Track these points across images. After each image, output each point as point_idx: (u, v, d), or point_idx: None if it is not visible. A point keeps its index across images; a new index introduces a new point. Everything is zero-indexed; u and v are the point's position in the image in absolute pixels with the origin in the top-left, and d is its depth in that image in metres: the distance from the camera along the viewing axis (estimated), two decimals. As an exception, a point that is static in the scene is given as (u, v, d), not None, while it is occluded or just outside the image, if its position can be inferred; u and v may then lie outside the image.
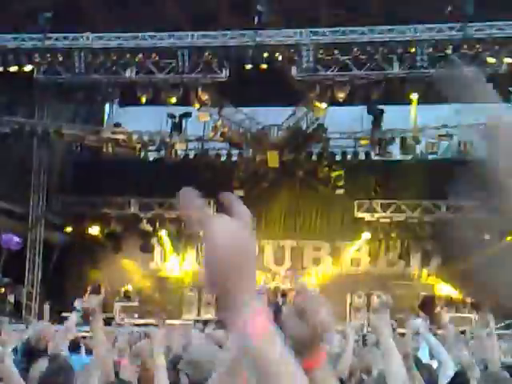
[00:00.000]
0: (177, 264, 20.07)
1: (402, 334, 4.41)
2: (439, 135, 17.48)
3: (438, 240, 18.44)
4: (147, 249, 19.87)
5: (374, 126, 17.50)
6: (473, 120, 16.90)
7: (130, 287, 18.77)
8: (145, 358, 4.33)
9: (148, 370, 4.09)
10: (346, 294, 17.83)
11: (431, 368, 4.38)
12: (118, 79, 15.36)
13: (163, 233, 19.52)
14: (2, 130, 16.53)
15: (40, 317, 16.76)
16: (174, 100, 15.67)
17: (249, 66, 14.86)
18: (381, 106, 17.18)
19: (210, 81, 15.24)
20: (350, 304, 17.72)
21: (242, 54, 14.68)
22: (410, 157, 18.38)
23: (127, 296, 18.48)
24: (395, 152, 18.25)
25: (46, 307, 17.48)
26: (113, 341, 4.99)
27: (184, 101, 16.36)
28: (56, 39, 14.51)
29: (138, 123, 18.92)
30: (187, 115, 18.08)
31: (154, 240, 19.91)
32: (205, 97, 15.75)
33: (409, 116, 17.63)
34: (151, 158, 19.91)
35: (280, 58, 14.88)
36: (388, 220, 18.74)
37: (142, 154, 19.28)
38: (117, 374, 4.12)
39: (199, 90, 15.75)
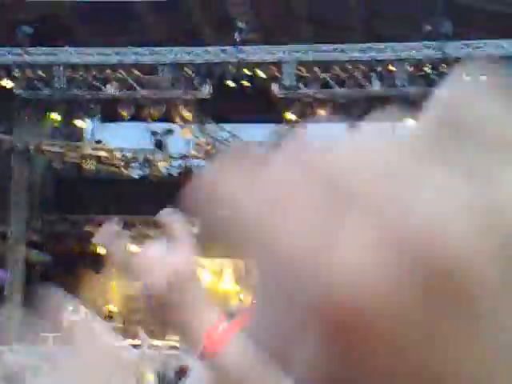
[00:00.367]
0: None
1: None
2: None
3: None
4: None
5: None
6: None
7: (112, 307, 18.60)
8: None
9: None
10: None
11: None
12: (99, 95, 15.35)
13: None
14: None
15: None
16: (156, 116, 15.69)
17: (230, 83, 14.92)
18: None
19: (191, 97, 15.26)
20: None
21: (223, 70, 14.74)
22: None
23: (110, 316, 18.30)
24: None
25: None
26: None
27: (166, 117, 16.37)
28: (36, 54, 14.50)
29: (119, 140, 18.88)
30: (170, 132, 18.07)
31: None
32: (186, 113, 15.76)
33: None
34: (134, 176, 19.85)
35: (261, 74, 14.96)
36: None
37: (125, 171, 19.21)
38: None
39: (181, 106, 15.77)
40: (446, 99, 0.51)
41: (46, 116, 15.79)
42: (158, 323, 0.95)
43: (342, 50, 14.38)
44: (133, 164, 19.10)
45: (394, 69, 14.21)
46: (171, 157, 19.27)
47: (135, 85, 15.21)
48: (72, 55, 14.68)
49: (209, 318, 0.92)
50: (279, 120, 17.68)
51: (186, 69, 15.01)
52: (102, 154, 18.51)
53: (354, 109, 15.09)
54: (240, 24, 14.10)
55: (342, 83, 14.78)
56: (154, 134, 18.18)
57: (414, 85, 14.08)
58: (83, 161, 18.28)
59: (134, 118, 16.22)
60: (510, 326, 0.46)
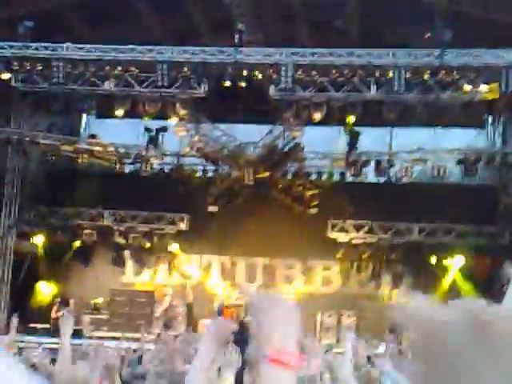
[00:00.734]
0: (148, 278, 19.94)
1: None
2: (413, 159, 17.68)
3: (409, 263, 18.60)
4: (119, 262, 19.72)
5: (350, 147, 17.64)
6: (447, 145, 17.18)
7: (99, 300, 18.59)
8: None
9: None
10: (316, 313, 17.88)
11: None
12: (96, 91, 15.31)
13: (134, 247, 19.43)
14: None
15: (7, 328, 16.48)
16: (151, 114, 15.67)
17: (227, 83, 14.94)
18: (357, 128, 17.34)
19: (188, 96, 15.26)
20: (321, 323, 17.78)
21: (221, 70, 14.76)
22: (383, 179, 18.56)
23: (97, 309, 18.30)
24: (370, 174, 18.41)
25: (15, 320, 17.21)
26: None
27: (161, 115, 16.36)
28: (36, 48, 14.43)
29: (114, 135, 18.85)
30: (164, 129, 18.05)
31: (126, 253, 19.78)
32: (182, 112, 15.76)
33: (384, 139, 17.83)
34: (126, 171, 19.81)
35: (259, 76, 14.98)
36: (360, 241, 18.85)
37: (118, 166, 19.18)
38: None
39: (177, 104, 15.76)
40: None
41: (44, 110, 15.72)
42: None
43: (340, 55, 14.43)
44: (126, 160, 19.08)
45: (391, 74, 14.27)
46: (164, 154, 19.28)
47: (132, 82, 15.18)
48: (71, 51, 14.62)
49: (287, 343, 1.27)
50: (274, 121, 17.76)
51: (183, 68, 15.00)
52: (96, 148, 18.49)
53: (349, 113, 15.20)
54: (240, 26, 14.11)
55: (338, 87, 14.84)
56: (148, 130, 18.17)
57: (411, 91, 14.16)
58: (77, 155, 18.23)
59: (130, 114, 16.20)
60: None
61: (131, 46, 15.01)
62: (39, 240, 19.11)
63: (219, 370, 4.37)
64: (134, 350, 9.31)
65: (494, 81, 14.11)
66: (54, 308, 17.92)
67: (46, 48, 14.53)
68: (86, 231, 19.20)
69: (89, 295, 18.77)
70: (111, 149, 18.57)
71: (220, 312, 14.57)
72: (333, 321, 17.90)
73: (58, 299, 18.27)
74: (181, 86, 15.22)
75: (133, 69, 15.02)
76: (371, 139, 17.89)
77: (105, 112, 17.46)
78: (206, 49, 14.71)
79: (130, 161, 19.07)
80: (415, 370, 0.93)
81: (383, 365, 4.60)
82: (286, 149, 18.50)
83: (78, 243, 19.41)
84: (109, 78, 15.02)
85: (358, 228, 18.72)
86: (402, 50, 14.33)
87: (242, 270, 19.63)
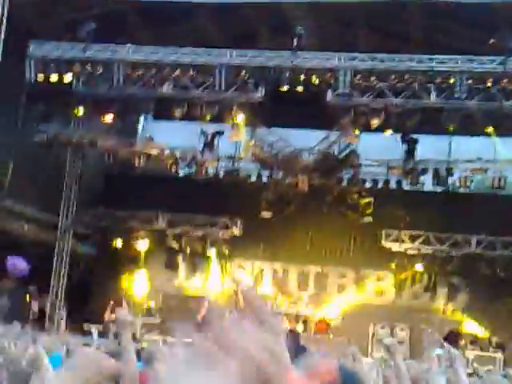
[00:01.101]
0: (201, 283, 19.99)
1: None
2: (473, 169, 17.26)
3: (466, 275, 18.12)
4: (172, 266, 19.84)
5: (407, 155, 17.33)
6: (508, 155, 16.69)
7: (152, 304, 18.70)
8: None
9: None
10: (368, 325, 17.56)
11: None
12: (154, 93, 15.46)
13: (211, 252, 19.47)
14: (37, 139, 16.70)
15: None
16: (208, 117, 15.72)
17: (285, 88, 14.87)
18: (415, 136, 17.03)
19: (244, 100, 15.25)
20: (373, 335, 17.44)
21: (278, 75, 14.70)
22: (441, 189, 18.16)
23: (149, 312, 18.38)
24: (427, 183, 18.04)
25: (62, 313, 17.50)
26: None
27: (218, 118, 16.40)
28: (97, 50, 14.68)
29: (170, 138, 18.98)
30: (220, 133, 18.10)
31: (179, 257, 19.88)
32: (239, 116, 15.77)
33: (443, 147, 17.45)
34: (181, 174, 19.94)
35: (316, 81, 14.86)
36: (415, 251, 18.47)
37: (173, 169, 19.32)
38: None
39: (234, 108, 15.78)
40: None
41: (103, 112, 15.96)
42: None
43: (400, 60, 14.19)
44: (181, 163, 19.20)
45: (452, 81, 13.95)
46: (219, 158, 19.33)
47: (190, 84, 15.27)
48: (131, 53, 14.81)
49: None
50: (331, 127, 17.59)
51: (241, 71, 15.01)
52: (152, 151, 18.66)
53: (408, 120, 14.92)
54: (299, 30, 14.04)
55: (397, 93, 14.59)
56: (204, 133, 18.25)
57: (472, 99, 13.81)
58: (134, 157, 18.44)
59: (186, 117, 16.30)
60: None
61: (190, 49, 15.11)
62: (94, 242, 19.40)
63: None
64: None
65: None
66: (108, 310, 18.13)
67: (106, 50, 14.76)
68: (141, 234, 19.39)
69: (142, 298, 18.91)
70: (167, 151, 18.73)
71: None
72: (386, 333, 17.53)
73: (112, 301, 18.48)
74: (238, 90, 15.22)
75: (191, 72, 15.11)
76: (430, 147, 17.54)
77: (162, 114, 17.63)
78: (264, 52, 14.69)
79: (185, 164, 19.19)
80: None
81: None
82: (342, 155, 18.31)
83: (132, 246, 19.60)
84: (167, 80, 15.14)
85: (413, 238, 18.34)
86: (465, 56, 14.00)
87: (293, 278, 19.48)
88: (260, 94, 15.02)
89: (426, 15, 14.18)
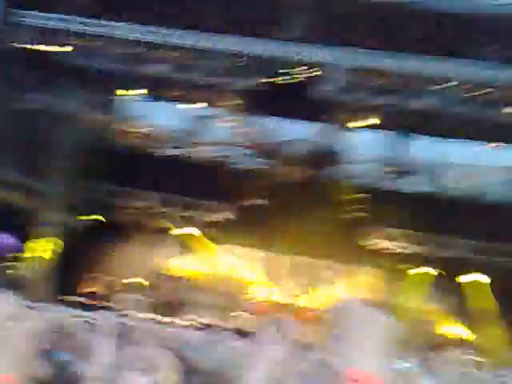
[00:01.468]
0: (190, 264, 20.06)
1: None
2: (465, 173, 17.23)
3: (452, 278, 18.16)
4: (163, 246, 19.92)
5: (401, 154, 17.30)
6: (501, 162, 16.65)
7: (138, 280, 18.80)
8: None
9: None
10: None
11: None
12: (152, 73, 15.40)
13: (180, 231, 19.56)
14: (31, 108, 16.62)
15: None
16: (202, 101, 15.69)
17: (280, 78, 14.82)
18: (409, 135, 16.99)
19: (241, 87, 15.20)
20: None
21: (274, 64, 14.64)
22: (432, 190, 18.16)
23: (137, 289, 18.48)
24: (420, 183, 18.04)
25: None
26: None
27: (213, 103, 16.37)
28: (94, 25, 14.61)
29: (163, 118, 18.92)
30: (213, 118, 18.06)
31: (169, 237, 19.94)
32: (234, 102, 15.72)
33: (436, 149, 17.42)
34: (174, 155, 19.87)
35: (314, 74, 14.79)
36: (405, 250, 18.52)
37: (167, 151, 19.26)
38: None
39: (231, 94, 15.73)
40: None
41: (98, 87, 15.91)
42: None
43: (399, 59, 14.11)
44: (173, 144, 19.15)
45: (452, 84, 13.89)
46: (214, 142, 19.27)
47: (188, 67, 15.21)
48: (130, 31, 14.74)
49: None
50: (326, 121, 17.53)
51: (239, 58, 14.95)
52: (145, 130, 18.62)
53: (403, 119, 14.88)
54: (300, 22, 13.95)
55: (395, 92, 14.53)
56: (200, 117, 18.20)
57: (469, 104, 13.76)
58: (126, 136, 18.41)
59: (182, 99, 16.26)
60: None
61: (191, 32, 15.04)
62: (85, 215, 19.39)
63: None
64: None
65: None
66: (89, 283, 18.23)
67: (105, 26, 14.70)
68: (132, 212, 19.41)
69: (128, 275, 18.97)
70: (159, 132, 18.68)
71: (254, 307, 14.53)
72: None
73: (94, 275, 18.57)
74: (236, 76, 15.16)
75: (190, 54, 15.04)
76: (423, 148, 17.51)
77: (157, 95, 17.57)
78: (262, 41, 14.62)
79: (177, 145, 19.13)
80: None
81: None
82: (335, 150, 18.27)
83: (122, 223, 19.63)
84: (166, 61, 15.09)
85: (403, 237, 18.38)
86: (465, 60, 13.92)
87: (282, 267, 19.58)
88: (255, 82, 14.97)
89: (427, 17, 14.07)
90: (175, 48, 15.06)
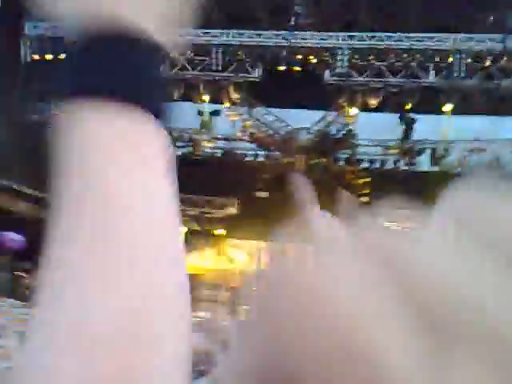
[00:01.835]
0: (196, 261, 20.03)
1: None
2: (470, 149, 17.22)
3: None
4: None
5: (405, 135, 17.28)
6: (506, 135, 16.70)
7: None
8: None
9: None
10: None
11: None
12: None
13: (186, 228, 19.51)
14: (34, 118, 16.59)
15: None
16: (204, 97, 15.62)
17: (282, 68, 14.76)
18: (413, 115, 16.95)
19: (241, 80, 15.15)
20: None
21: (275, 54, 14.59)
22: (438, 169, 18.15)
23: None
24: (425, 163, 18.03)
25: None
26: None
27: (215, 99, 16.30)
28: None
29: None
30: (217, 113, 18.02)
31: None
32: (235, 96, 15.66)
33: (441, 127, 17.40)
34: (177, 153, 19.86)
35: (314, 60, 14.75)
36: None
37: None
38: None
39: (230, 88, 15.67)
40: (459, 200, 0.54)
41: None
42: None
43: (399, 39, 14.08)
44: (178, 143, 19.10)
45: (451, 60, 13.86)
46: (216, 138, 19.24)
47: (187, 65, 15.15)
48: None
49: None
50: (328, 107, 17.50)
51: (237, 51, 14.89)
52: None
53: (406, 99, 14.85)
54: (297, 9, 13.90)
55: (396, 73, 14.49)
56: (200, 114, 18.15)
57: (471, 78, 13.74)
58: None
59: (183, 97, 16.18)
60: None
61: (186, 30, 14.94)
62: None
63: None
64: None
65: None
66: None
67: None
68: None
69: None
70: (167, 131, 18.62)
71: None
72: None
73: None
74: (235, 70, 15.10)
75: (188, 52, 14.97)
76: (427, 127, 17.48)
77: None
78: (261, 32, 14.56)
79: (181, 144, 19.09)
80: None
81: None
82: (339, 135, 18.25)
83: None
84: (163, 60, 14.99)
85: (409, 217, 18.37)
86: (464, 35, 13.89)
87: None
88: (257, 73, 14.91)
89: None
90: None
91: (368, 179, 18.43)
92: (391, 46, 14.13)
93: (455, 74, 13.71)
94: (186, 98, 16.19)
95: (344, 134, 18.09)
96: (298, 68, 14.93)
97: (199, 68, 15.13)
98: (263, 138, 18.51)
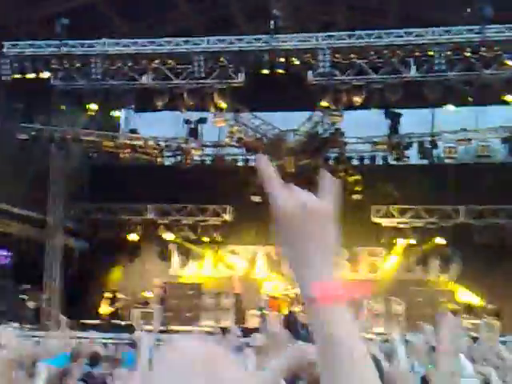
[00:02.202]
0: (195, 270, 20.04)
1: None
2: (457, 139, 17.31)
3: (457, 245, 18.24)
4: (165, 255, 19.89)
5: (391, 130, 17.36)
6: (491, 123, 16.75)
7: (148, 293, 18.74)
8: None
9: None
10: (363, 300, 17.69)
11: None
12: (134, 85, 15.36)
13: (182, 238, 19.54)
14: (19, 137, 16.62)
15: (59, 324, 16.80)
16: (190, 105, 15.65)
17: (265, 71, 14.79)
18: (398, 110, 17.04)
19: (225, 86, 15.18)
20: (368, 311, 17.58)
21: (257, 58, 14.61)
22: (427, 161, 18.24)
23: (146, 302, 18.42)
24: (413, 156, 18.11)
25: (62, 318, 17.48)
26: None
27: (200, 106, 16.33)
28: (73, 46, 14.55)
29: (154, 129, 18.96)
30: (203, 121, 18.07)
31: (171, 246, 19.91)
32: (221, 102, 15.70)
33: (426, 120, 17.50)
34: (168, 164, 19.93)
35: (296, 62, 14.79)
36: (406, 225, 18.57)
37: (159, 159, 19.29)
38: None
39: (215, 95, 15.70)
40: None
41: (83, 106, 15.87)
42: None
43: (379, 36, 14.15)
44: (166, 153, 19.17)
45: (431, 53, 13.91)
46: (204, 145, 19.30)
47: (170, 74, 15.18)
48: (107, 46, 14.69)
49: (327, 271, 1.03)
50: (313, 107, 17.56)
51: (219, 57, 14.92)
52: (137, 143, 18.62)
53: (390, 95, 14.91)
54: (275, 12, 13.94)
55: (378, 69, 14.55)
56: (187, 122, 18.20)
57: (452, 70, 13.79)
58: (119, 150, 18.40)
59: (168, 107, 16.22)
60: None
61: (167, 39, 15.01)
62: (85, 236, 19.38)
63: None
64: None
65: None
66: (103, 303, 18.16)
67: (82, 45, 14.63)
68: (131, 226, 19.39)
69: (137, 289, 18.93)
70: (151, 142, 18.68)
71: (267, 304, 14.48)
72: (381, 307, 17.66)
73: (106, 295, 18.48)
74: (218, 76, 15.13)
75: (170, 61, 15.00)
76: (413, 121, 17.58)
77: (144, 106, 17.55)
78: (242, 37, 14.59)
79: (170, 154, 19.16)
80: None
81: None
82: (327, 135, 18.33)
83: (123, 238, 19.60)
84: (146, 71, 15.05)
85: (402, 212, 18.44)
86: (442, 28, 13.96)
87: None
88: (240, 78, 14.94)
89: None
90: (155, 57, 15.02)
91: (359, 176, 18.51)
92: (371, 43, 14.18)
93: (436, 67, 13.75)
94: (171, 107, 16.23)
95: (331, 134, 18.17)
96: (281, 70, 14.97)
97: (182, 76, 15.17)
98: (251, 142, 18.57)
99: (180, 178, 18.49)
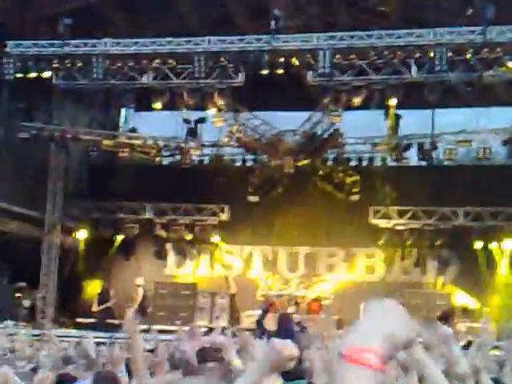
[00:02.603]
0: (191, 270, 19.99)
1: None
2: (457, 141, 17.30)
3: (455, 248, 18.23)
4: (161, 255, 19.84)
5: (391, 131, 17.35)
6: (492, 125, 16.74)
7: (145, 292, 18.65)
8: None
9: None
10: (360, 303, 17.68)
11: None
12: (134, 84, 15.33)
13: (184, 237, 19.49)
14: (20, 136, 16.57)
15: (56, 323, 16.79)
16: (189, 105, 15.62)
17: (265, 71, 14.77)
18: (398, 111, 17.03)
19: (225, 86, 15.15)
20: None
21: (258, 58, 14.58)
22: (426, 163, 18.21)
23: (143, 301, 18.32)
24: (412, 158, 18.10)
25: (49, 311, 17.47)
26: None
27: (200, 106, 16.30)
28: (75, 45, 14.54)
29: (153, 128, 18.93)
30: (202, 120, 18.04)
31: (168, 246, 19.87)
32: (220, 102, 15.67)
33: (426, 121, 17.48)
34: (166, 163, 19.89)
35: (296, 62, 14.78)
36: (404, 227, 18.56)
37: (157, 159, 19.26)
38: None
39: (215, 94, 15.67)
40: None
41: (83, 106, 15.84)
42: None
43: (380, 37, 14.13)
44: (165, 152, 19.12)
45: (432, 54, 13.90)
46: (203, 145, 19.26)
47: (170, 74, 15.14)
48: (109, 46, 14.67)
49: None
50: (313, 108, 17.55)
51: (220, 57, 14.90)
52: (136, 142, 18.57)
53: (390, 96, 14.91)
54: (276, 12, 13.92)
55: (378, 70, 14.54)
56: (186, 122, 18.17)
57: (453, 71, 13.78)
58: (118, 149, 18.36)
59: (168, 106, 16.18)
60: None
61: (168, 39, 14.99)
62: (82, 235, 19.30)
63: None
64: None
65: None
66: (95, 302, 18.08)
67: (84, 44, 14.62)
68: (128, 225, 19.33)
69: (133, 288, 18.87)
70: (150, 142, 18.64)
71: (266, 310, 14.44)
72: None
73: (97, 295, 18.40)
74: (218, 76, 15.10)
75: (170, 61, 14.98)
76: (413, 122, 17.57)
77: (143, 105, 17.52)
78: (243, 37, 14.58)
79: (169, 153, 19.11)
80: None
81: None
82: (326, 135, 18.30)
83: (120, 237, 19.54)
84: (147, 71, 15.03)
85: (401, 214, 18.43)
86: (443, 29, 13.95)
87: (283, 260, 19.51)
88: (240, 78, 14.91)
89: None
90: (156, 56, 15.00)
91: (357, 177, 18.49)
92: (372, 43, 14.17)
93: (437, 68, 13.74)
94: (171, 107, 16.20)
95: (331, 134, 18.14)
96: (281, 71, 14.94)
97: (182, 76, 15.13)
98: (250, 142, 18.54)
99: (178, 177, 18.46)
